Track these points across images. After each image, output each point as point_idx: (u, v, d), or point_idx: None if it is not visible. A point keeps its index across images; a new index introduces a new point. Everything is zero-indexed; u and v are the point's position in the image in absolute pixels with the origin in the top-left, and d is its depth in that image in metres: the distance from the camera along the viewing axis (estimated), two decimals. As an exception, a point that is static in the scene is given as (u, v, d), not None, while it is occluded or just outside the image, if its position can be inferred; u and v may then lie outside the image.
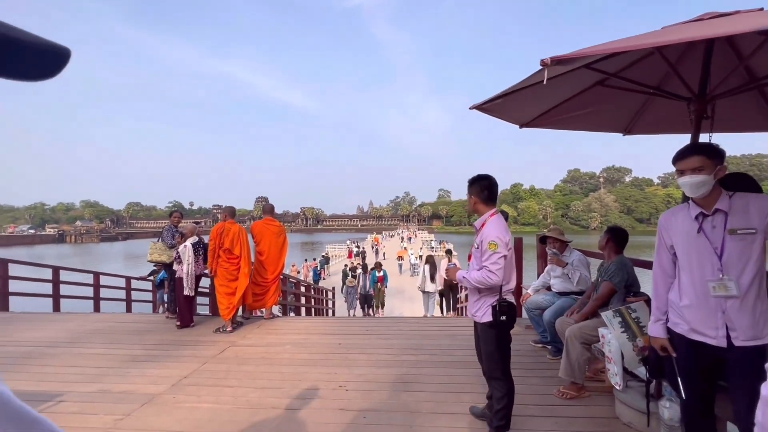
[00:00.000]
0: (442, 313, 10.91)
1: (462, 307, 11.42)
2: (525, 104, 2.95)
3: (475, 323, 2.39)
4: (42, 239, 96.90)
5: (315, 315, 11.32)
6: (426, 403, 2.69)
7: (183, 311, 4.63)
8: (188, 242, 4.72)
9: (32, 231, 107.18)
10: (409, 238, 54.57)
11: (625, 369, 2.46)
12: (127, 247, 73.81)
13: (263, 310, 5.16)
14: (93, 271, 8.69)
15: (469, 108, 2.75)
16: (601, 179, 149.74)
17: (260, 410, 2.59)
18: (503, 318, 2.20)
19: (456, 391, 2.87)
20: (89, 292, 8.64)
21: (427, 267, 9.18)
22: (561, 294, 3.63)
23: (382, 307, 10.40)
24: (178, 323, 4.64)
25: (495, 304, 2.21)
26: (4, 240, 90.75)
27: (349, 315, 10.90)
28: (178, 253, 4.65)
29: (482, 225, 2.30)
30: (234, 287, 4.63)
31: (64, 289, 8.24)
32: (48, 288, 7.73)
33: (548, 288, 3.91)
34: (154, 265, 5.27)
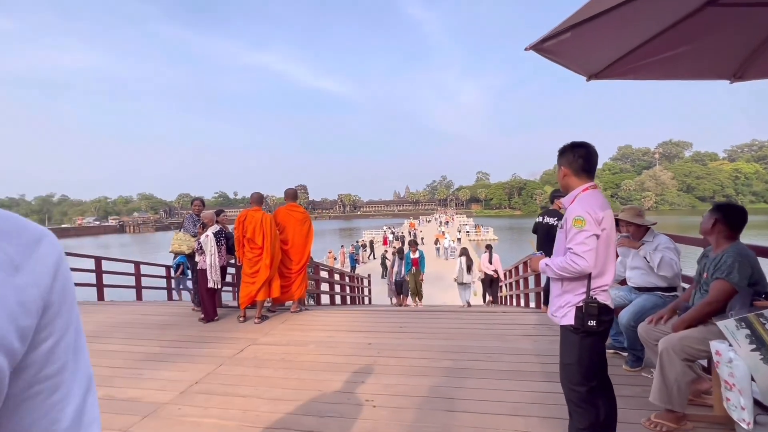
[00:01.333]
0: (484, 301, 10.23)
1: (504, 297, 10.69)
2: (600, 42, 2.22)
3: (559, 326, 1.83)
4: (105, 230, 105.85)
5: (350, 303, 11.06)
6: (470, 429, 2.15)
7: (206, 305, 4.37)
8: (209, 231, 4.43)
9: (97, 222, 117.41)
10: (447, 223, 53.52)
11: (757, 401, 1.77)
12: (179, 236, 78.47)
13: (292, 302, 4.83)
14: (133, 260, 8.88)
15: (525, 49, 2.08)
16: (657, 155, 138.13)
17: (268, 431, 2.17)
18: (591, 323, 1.64)
19: (509, 413, 2.29)
20: (132, 281, 8.87)
21: (463, 259, 8.89)
22: (640, 290, 2.89)
23: (420, 299, 8.71)
24: (202, 317, 4.40)
25: (581, 303, 1.66)
26: (74, 231, 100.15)
27: (391, 303, 10.52)
28: (199, 243, 4.38)
29: (571, 202, 1.77)
30: (254, 278, 4.30)
31: (107, 279, 8.51)
32: (92, 278, 7.97)
33: (622, 282, 3.18)
34: (175, 256, 5.06)
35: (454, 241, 27.37)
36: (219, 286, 4.40)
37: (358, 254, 22.06)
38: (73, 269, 7.79)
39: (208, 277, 4.32)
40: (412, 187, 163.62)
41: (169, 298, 8.55)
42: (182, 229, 4.91)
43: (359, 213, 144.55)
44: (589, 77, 2.66)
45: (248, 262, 4.33)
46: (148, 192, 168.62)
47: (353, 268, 19.67)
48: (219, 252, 4.45)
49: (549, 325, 3.86)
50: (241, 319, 4.37)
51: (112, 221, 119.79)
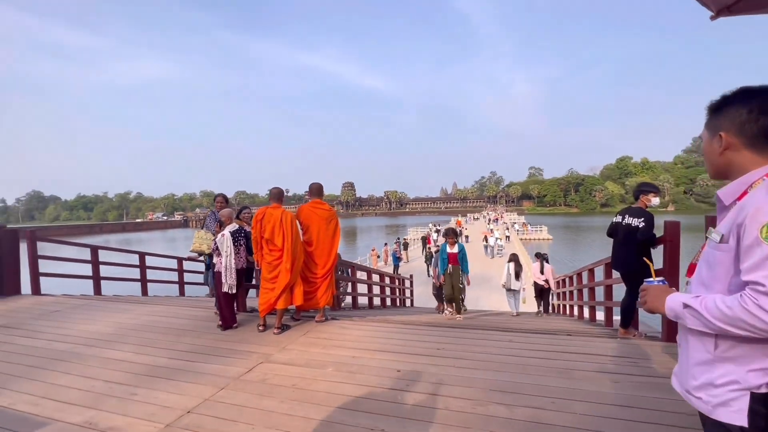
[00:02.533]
0: (539, 310, 9.19)
1: (560, 305, 9.51)
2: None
3: (701, 414, 1.05)
4: (171, 224, 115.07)
5: (391, 305, 10.49)
6: None
7: (223, 311, 4.00)
8: (226, 230, 4.04)
9: (165, 217, 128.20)
10: (495, 220, 51.17)
11: None
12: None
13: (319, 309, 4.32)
14: (176, 256, 9.00)
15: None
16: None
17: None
18: None
19: None
20: (175, 276, 8.98)
21: (512, 265, 8.50)
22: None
23: (458, 310, 6.33)
24: (220, 323, 4.03)
25: (763, 391, 0.90)
26: (146, 225, 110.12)
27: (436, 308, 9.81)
28: (216, 243, 4.01)
29: (742, 194, 0.97)
30: (274, 284, 3.84)
31: (152, 274, 8.68)
32: (137, 273, 8.13)
33: None
34: (198, 255, 4.78)
35: (501, 239, 25.98)
36: (234, 291, 4.00)
37: (400, 252, 21.44)
38: (120, 264, 8.01)
39: (223, 280, 3.93)
40: (459, 183, 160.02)
41: (211, 295, 8.56)
42: (204, 227, 4.61)
43: (405, 210, 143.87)
44: (718, 12, 1.81)
45: (267, 266, 3.88)
46: (209, 189, 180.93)
47: (396, 266, 19.10)
48: (237, 253, 4.05)
49: (634, 358, 2.97)
50: (260, 327, 3.94)
51: (177, 216, 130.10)
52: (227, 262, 3.97)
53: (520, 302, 8.71)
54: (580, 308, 7.03)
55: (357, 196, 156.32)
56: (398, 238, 24.65)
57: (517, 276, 8.39)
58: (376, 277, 9.81)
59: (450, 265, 6.27)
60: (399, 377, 2.79)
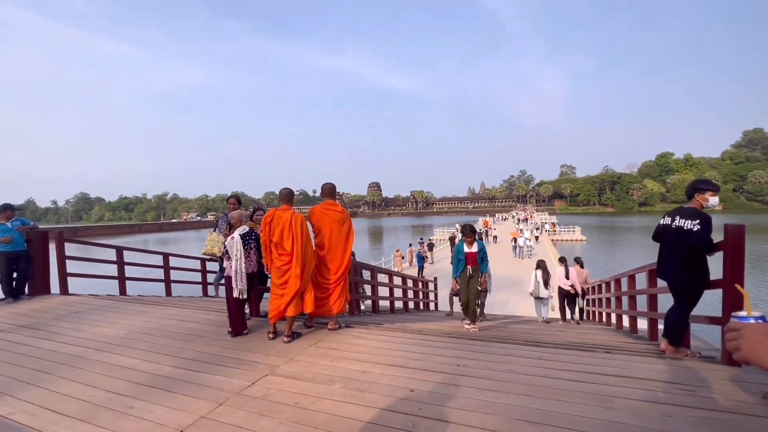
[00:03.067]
0: (562, 317, 8.62)
1: (591, 312, 8.85)
2: None
3: None
4: (204, 224, 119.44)
5: (414, 308, 10.17)
6: None
7: (233, 316, 3.85)
8: (236, 233, 3.90)
9: (198, 218, 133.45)
10: (525, 220, 49.54)
11: None
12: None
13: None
14: (198, 257, 9.09)
15: None
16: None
17: None
18: None
19: None
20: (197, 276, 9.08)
21: (539, 272, 8.21)
22: None
23: (474, 319, 5.43)
24: (230, 329, 3.89)
25: None
26: (181, 225, 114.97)
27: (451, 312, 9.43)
28: (225, 247, 3.87)
29: None
30: (283, 290, 3.65)
31: (177, 274, 8.81)
32: (160, 273, 8.26)
33: None
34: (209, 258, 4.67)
35: (530, 239, 25.20)
36: (245, 296, 3.84)
37: (425, 253, 21.02)
38: (144, 265, 8.16)
39: (233, 285, 3.78)
40: (488, 182, 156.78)
41: (216, 295, 8.64)
42: (216, 229, 4.50)
43: (432, 210, 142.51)
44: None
45: (276, 271, 3.69)
46: (241, 190, 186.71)
47: (421, 268, 18.72)
48: (247, 257, 3.89)
49: (688, 385, 2.54)
50: (270, 335, 3.76)
51: (210, 216, 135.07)
52: (237, 266, 3.82)
53: (549, 310, 8.37)
54: (619, 317, 6.46)
55: (383, 196, 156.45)
56: (421, 239, 24.22)
57: (546, 284, 8.09)
58: (398, 280, 9.54)
59: (468, 266, 5.45)
60: (412, 398, 2.50)
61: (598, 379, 2.69)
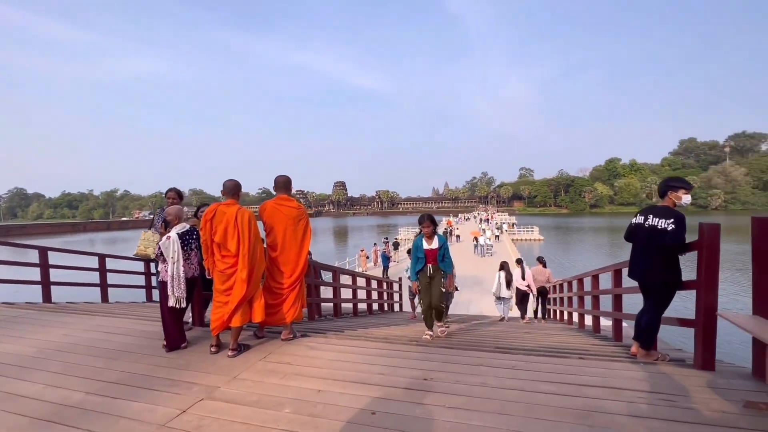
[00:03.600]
0: (535, 316, 8.68)
1: (558, 311, 8.98)
2: None
3: None
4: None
5: (378, 310, 9.85)
6: None
7: (168, 328, 3.32)
8: (173, 232, 3.36)
9: (151, 216, 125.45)
10: (487, 220, 50.94)
11: None
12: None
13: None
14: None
15: None
16: (727, 149, 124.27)
17: None
18: None
19: None
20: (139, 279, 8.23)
21: (502, 273, 8.42)
22: None
23: (443, 318, 4.75)
24: (165, 344, 3.35)
25: None
26: (132, 224, 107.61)
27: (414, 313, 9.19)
28: (160, 247, 3.32)
29: None
30: (227, 298, 3.18)
31: (118, 278, 7.91)
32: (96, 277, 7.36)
33: None
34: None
35: (491, 238, 26.08)
36: (183, 305, 3.33)
37: (390, 252, 20.81)
38: (75, 268, 7.23)
39: (169, 292, 3.25)
40: (451, 183, 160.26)
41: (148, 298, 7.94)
42: (152, 227, 3.92)
43: (397, 210, 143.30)
44: None
45: (219, 276, 3.21)
46: (199, 188, 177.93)
47: (386, 267, 18.46)
48: (187, 259, 3.37)
49: (668, 394, 2.38)
50: (213, 349, 3.27)
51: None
52: (174, 270, 3.29)
53: (509, 309, 8.65)
54: (581, 316, 6.49)
55: (348, 195, 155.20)
56: (386, 238, 23.99)
57: (508, 284, 8.38)
58: (361, 281, 9.17)
59: (429, 265, 4.51)
60: (374, 423, 2.15)
61: (576, 390, 2.48)
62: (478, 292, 14.71)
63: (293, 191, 3.78)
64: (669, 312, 3.19)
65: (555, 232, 53.07)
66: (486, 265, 20.19)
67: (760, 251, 2.49)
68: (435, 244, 4.56)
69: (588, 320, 6.41)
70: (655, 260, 3.01)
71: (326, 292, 7.70)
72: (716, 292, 2.66)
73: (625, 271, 4.47)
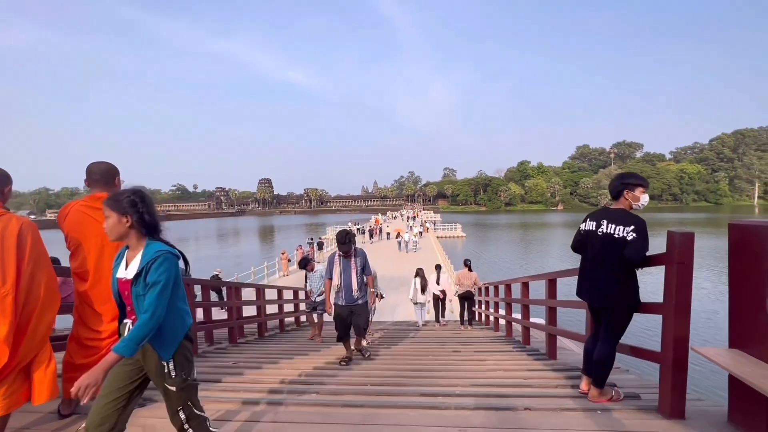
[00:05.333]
0: (437, 319, 8.45)
1: (482, 314, 8.72)
2: None
3: None
4: (41, 225, 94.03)
5: (296, 323, 8.66)
6: None
7: None
8: None
9: (32, 216, 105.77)
10: (414, 218, 52.01)
11: None
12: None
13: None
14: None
15: None
16: (612, 155, 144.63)
17: None
18: None
19: None
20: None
21: (417, 279, 8.66)
22: None
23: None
24: None
25: None
26: None
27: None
28: None
29: None
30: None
31: None
32: None
33: None
34: None
35: (415, 235, 26.84)
36: None
37: (314, 254, 19.49)
38: None
39: None
40: (380, 182, 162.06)
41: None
42: None
43: (326, 208, 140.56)
44: None
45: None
46: (74, 186, 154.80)
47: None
48: None
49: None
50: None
51: (50, 215, 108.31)
52: None
53: (425, 313, 8.91)
54: (509, 324, 6.08)
55: (275, 193, 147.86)
56: (311, 239, 22.58)
57: (423, 290, 8.60)
58: (272, 293, 7.89)
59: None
60: None
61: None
62: (404, 292, 14.20)
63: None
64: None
65: (475, 228, 56.12)
66: (413, 264, 19.85)
67: (739, 267, 1.97)
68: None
69: (516, 326, 6.02)
70: (610, 277, 2.41)
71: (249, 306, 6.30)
72: (689, 318, 2.11)
73: (566, 282, 4.00)
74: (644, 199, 2.46)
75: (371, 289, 4.54)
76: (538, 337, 5.63)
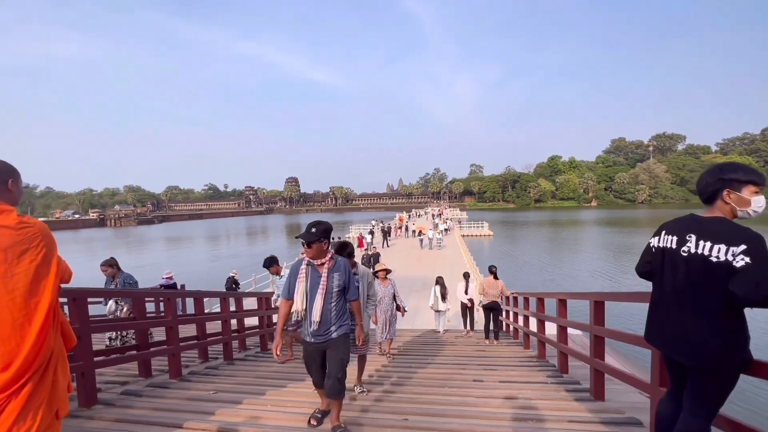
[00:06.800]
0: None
1: (509, 325, 7.83)
2: None
3: None
4: (84, 223, 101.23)
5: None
6: None
7: None
8: None
9: (77, 216, 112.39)
10: (439, 215, 50.91)
11: None
12: (162, 231, 74.79)
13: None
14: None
15: None
16: (651, 148, 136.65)
17: None
18: None
19: None
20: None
21: (437, 288, 8.62)
22: None
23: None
24: None
25: None
26: (51, 225, 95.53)
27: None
28: None
29: None
30: None
31: None
32: None
33: None
34: None
35: (440, 232, 26.28)
36: None
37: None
38: None
39: None
40: (405, 179, 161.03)
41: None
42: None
43: (351, 206, 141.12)
44: None
45: None
46: (136, 184, 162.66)
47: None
48: None
49: None
50: None
51: (92, 214, 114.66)
52: None
53: (445, 321, 8.85)
54: (542, 344, 5.21)
55: (301, 191, 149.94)
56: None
57: (443, 298, 8.52)
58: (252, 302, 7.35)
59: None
60: None
61: None
62: (425, 297, 13.42)
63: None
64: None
65: (502, 226, 54.24)
66: (435, 265, 18.98)
67: None
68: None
69: (550, 349, 5.15)
70: (704, 322, 1.60)
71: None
72: None
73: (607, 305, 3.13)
74: (758, 202, 1.62)
75: (366, 311, 3.70)
76: (576, 362, 4.75)
